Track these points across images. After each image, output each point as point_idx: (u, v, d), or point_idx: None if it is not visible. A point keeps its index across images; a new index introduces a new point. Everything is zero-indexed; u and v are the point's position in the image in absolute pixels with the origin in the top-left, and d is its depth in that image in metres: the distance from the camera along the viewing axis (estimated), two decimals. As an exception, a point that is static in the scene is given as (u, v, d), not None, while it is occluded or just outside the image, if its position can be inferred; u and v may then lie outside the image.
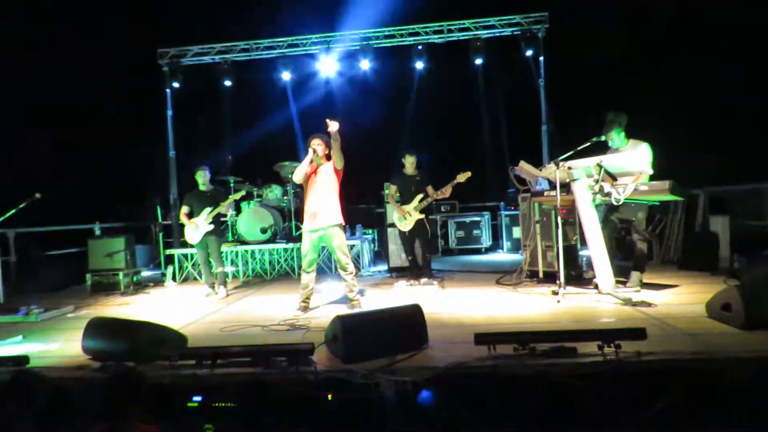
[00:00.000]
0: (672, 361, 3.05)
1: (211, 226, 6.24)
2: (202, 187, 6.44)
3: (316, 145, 5.03)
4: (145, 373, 2.91)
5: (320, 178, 5.09)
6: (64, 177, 9.42)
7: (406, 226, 6.33)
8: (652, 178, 4.85)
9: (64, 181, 9.24)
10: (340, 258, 5.04)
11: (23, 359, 3.53)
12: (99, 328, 3.76)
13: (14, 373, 2.67)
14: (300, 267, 5.74)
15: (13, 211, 5.82)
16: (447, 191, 6.12)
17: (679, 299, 4.80)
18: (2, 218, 5.83)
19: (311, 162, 5.08)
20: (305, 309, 5.08)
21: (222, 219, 7.03)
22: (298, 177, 5.11)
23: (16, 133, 9.64)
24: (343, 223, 5.11)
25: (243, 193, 6.66)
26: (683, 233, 7.07)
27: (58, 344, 4.30)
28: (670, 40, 8.42)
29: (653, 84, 8.65)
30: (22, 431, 2.36)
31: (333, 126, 4.72)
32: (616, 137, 5.12)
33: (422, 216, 6.30)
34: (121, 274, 7.18)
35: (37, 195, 5.83)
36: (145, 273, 8.08)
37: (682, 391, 2.96)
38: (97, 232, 7.86)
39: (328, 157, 5.13)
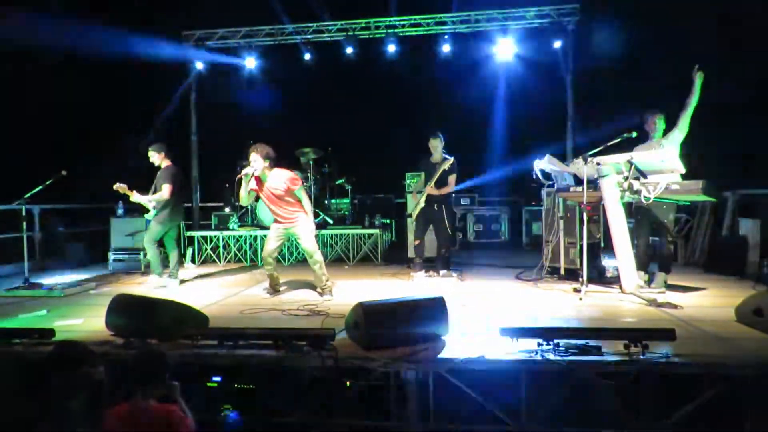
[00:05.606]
0: (701, 364, 2.97)
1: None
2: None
3: (253, 160, 4.75)
4: (167, 352, 2.92)
5: (270, 192, 4.88)
6: (89, 156, 9.55)
7: (414, 212, 6.25)
8: (683, 177, 4.73)
9: (90, 159, 9.38)
10: (306, 248, 5.03)
11: (48, 332, 3.59)
12: (123, 304, 3.80)
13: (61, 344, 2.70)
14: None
15: (39, 187, 5.90)
16: (443, 191, 5.98)
17: (706, 302, 4.69)
18: (29, 194, 5.91)
19: (253, 178, 4.81)
20: (275, 293, 5.33)
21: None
22: (243, 202, 5.00)
23: (43, 112, 9.81)
24: (306, 218, 4.98)
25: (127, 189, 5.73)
26: (710, 236, 6.91)
27: (81, 319, 4.37)
28: (697, 33, 8.13)
29: (681, 81, 8.40)
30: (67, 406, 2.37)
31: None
32: (659, 124, 5.07)
33: (435, 206, 6.03)
34: (142, 253, 7.27)
35: (63, 172, 5.90)
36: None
37: (711, 395, 2.89)
38: (120, 212, 7.94)
39: (272, 166, 4.84)
